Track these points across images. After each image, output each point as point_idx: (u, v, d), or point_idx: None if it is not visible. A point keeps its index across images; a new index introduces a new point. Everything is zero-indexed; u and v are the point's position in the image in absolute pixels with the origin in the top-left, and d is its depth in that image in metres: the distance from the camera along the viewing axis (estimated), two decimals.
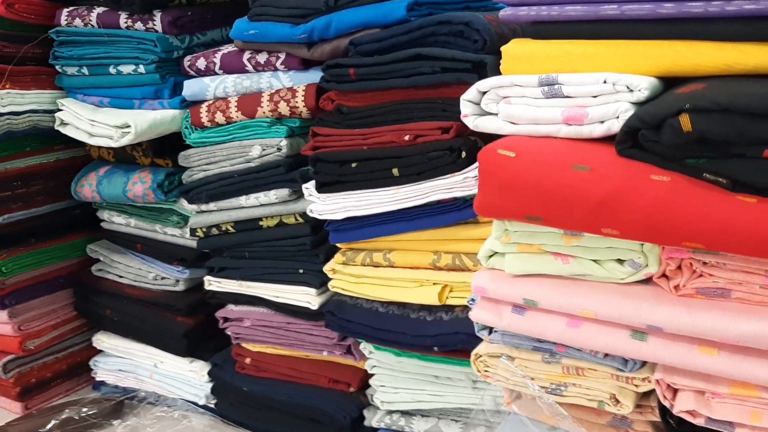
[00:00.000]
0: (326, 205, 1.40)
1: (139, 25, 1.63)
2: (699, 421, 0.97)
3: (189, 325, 1.76)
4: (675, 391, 1.00)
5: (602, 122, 1.00)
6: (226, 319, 1.69)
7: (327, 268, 1.47)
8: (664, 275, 0.99)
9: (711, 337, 0.94)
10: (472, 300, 1.16)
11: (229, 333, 1.69)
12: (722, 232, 0.89)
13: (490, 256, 1.12)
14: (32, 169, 1.83)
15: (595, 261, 1.03)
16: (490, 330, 1.15)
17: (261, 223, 1.56)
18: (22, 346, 1.85)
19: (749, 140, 0.86)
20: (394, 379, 1.46)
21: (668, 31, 0.97)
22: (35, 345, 1.88)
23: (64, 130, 1.73)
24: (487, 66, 1.20)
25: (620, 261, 1.01)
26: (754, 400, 0.95)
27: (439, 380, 1.42)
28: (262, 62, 1.51)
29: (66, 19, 1.70)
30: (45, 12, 1.73)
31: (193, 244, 1.69)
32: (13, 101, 1.70)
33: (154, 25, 1.62)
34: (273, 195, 1.51)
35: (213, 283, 1.67)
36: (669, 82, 1.00)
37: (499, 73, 1.10)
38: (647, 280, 1.01)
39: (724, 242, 0.89)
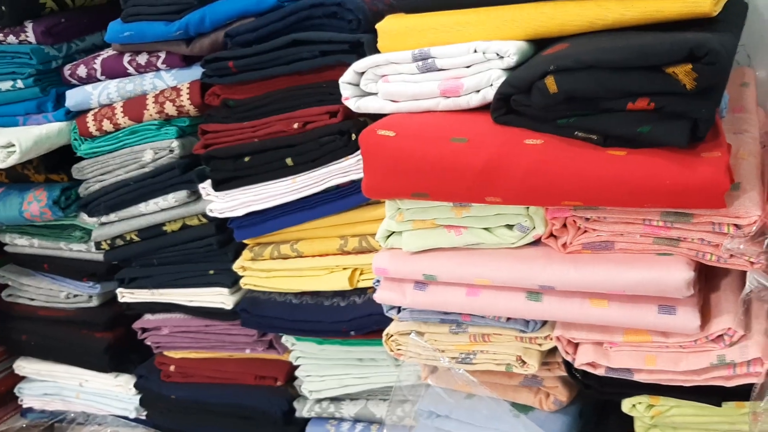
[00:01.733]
0: (225, 203, 1.37)
1: (11, 38, 1.55)
2: (600, 372, 1.00)
3: (108, 340, 1.72)
4: (576, 346, 1.03)
5: (478, 91, 1.01)
6: (144, 330, 1.65)
7: (236, 266, 1.44)
8: (552, 235, 1.01)
9: (600, 290, 0.96)
10: (377, 281, 1.16)
11: (148, 343, 1.66)
12: (597, 187, 0.91)
13: (388, 237, 1.12)
14: None
15: (486, 229, 1.04)
16: (399, 309, 1.15)
17: (164, 228, 1.52)
18: None
19: (613, 94, 0.88)
20: (320, 368, 1.46)
21: None
22: None
23: None
24: (364, 45, 1.19)
25: (509, 226, 1.03)
26: (648, 344, 0.98)
27: (364, 363, 1.42)
28: (143, 63, 1.46)
29: None
30: None
31: (101, 257, 1.64)
32: None
33: (27, 36, 1.54)
34: (172, 198, 1.47)
35: (126, 295, 1.63)
36: (540, 44, 1.01)
37: (377, 52, 1.10)
38: (538, 242, 1.03)
39: (600, 196, 0.92)
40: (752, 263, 0.89)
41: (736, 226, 0.89)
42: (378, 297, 1.13)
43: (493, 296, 1.04)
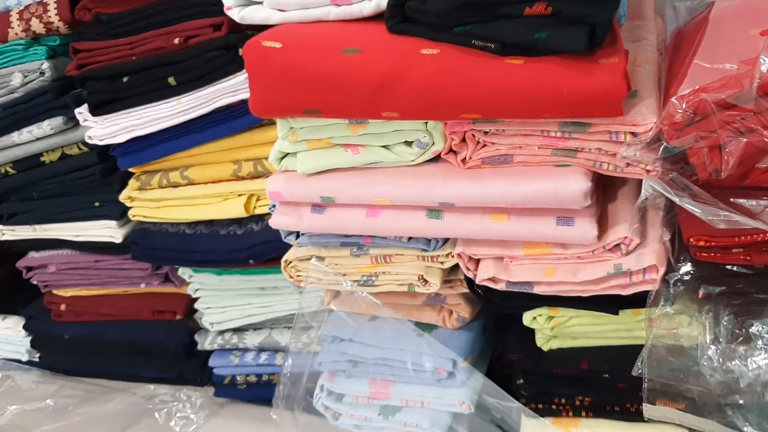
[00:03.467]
0: (105, 129, 1.26)
1: None
2: (501, 286, 1.00)
3: None
4: (477, 262, 1.02)
5: None
6: (29, 269, 1.54)
7: (123, 197, 1.35)
8: (451, 151, 0.97)
9: (500, 204, 0.95)
10: (273, 207, 1.10)
11: (35, 282, 1.55)
12: (495, 98, 0.87)
13: (281, 158, 1.06)
14: None
15: (384, 147, 0.99)
16: (297, 234, 1.11)
17: (42, 158, 1.39)
18: None
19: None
20: (220, 299, 1.40)
21: None
22: None
23: None
24: None
25: (408, 143, 0.99)
26: (547, 257, 0.98)
27: (266, 291, 1.37)
28: None
29: None
30: None
31: None
32: None
33: None
34: (47, 126, 1.34)
35: (6, 233, 1.51)
36: None
37: None
38: (437, 159, 0.99)
39: (499, 108, 0.89)
40: (648, 171, 0.89)
41: (633, 134, 0.88)
42: (274, 222, 1.08)
43: (393, 216, 1.00)
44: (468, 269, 1.01)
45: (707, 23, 0.99)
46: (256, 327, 1.42)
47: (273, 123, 1.23)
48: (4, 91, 1.36)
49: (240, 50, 1.14)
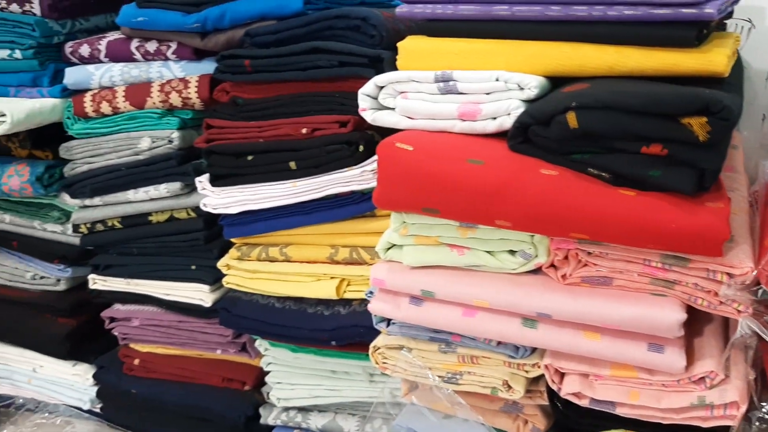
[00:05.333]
0: (220, 199, 1.37)
1: (14, 6, 1.52)
2: (584, 402, 1.03)
3: (71, 327, 1.67)
4: (562, 375, 1.05)
5: (494, 118, 1.03)
6: (112, 319, 1.62)
7: (221, 264, 1.43)
8: (552, 265, 1.03)
9: (594, 323, 0.99)
10: (371, 292, 1.17)
11: (115, 334, 1.62)
12: (605, 223, 0.94)
13: (388, 249, 1.13)
14: None
15: (488, 252, 1.06)
16: (388, 322, 1.16)
17: (150, 218, 1.50)
18: None
19: (629, 136, 0.92)
20: (291, 376, 1.45)
21: (555, 32, 1.02)
22: None
23: None
24: (383, 61, 1.21)
25: (512, 252, 1.05)
26: (633, 380, 1.01)
27: (336, 375, 1.42)
28: (152, 51, 1.45)
29: None
30: None
31: (76, 240, 1.60)
32: None
33: (32, 7, 1.52)
34: (164, 189, 1.46)
35: (98, 282, 1.60)
36: (556, 82, 1.05)
37: (395, 69, 1.12)
38: (537, 270, 1.06)
39: (607, 233, 0.95)
40: (739, 311, 0.94)
41: (729, 274, 0.93)
42: (372, 307, 1.14)
43: (488, 319, 1.06)
44: (553, 381, 1.05)
45: None
46: (321, 409, 1.46)
47: (372, 215, 1.32)
48: (129, 152, 1.48)
49: (360, 147, 1.25)
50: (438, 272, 1.09)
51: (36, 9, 1.52)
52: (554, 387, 1.05)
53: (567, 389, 1.03)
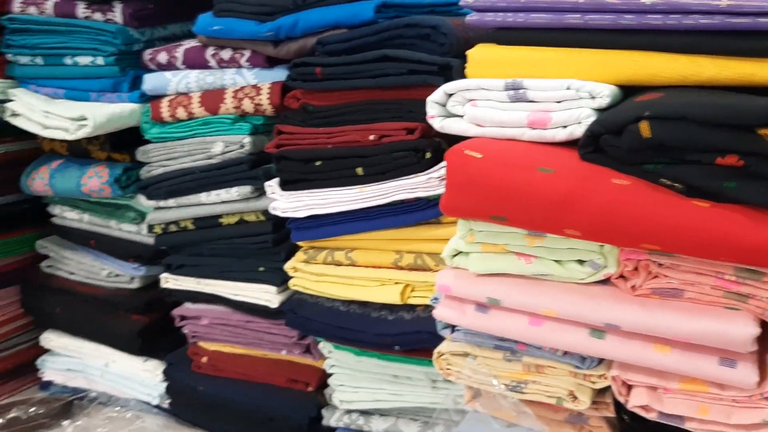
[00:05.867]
0: (289, 203, 1.40)
1: (98, 15, 1.60)
2: (651, 416, 1.01)
3: (143, 324, 1.73)
4: (629, 387, 1.04)
5: (565, 127, 1.03)
6: (182, 318, 1.67)
7: (288, 267, 1.47)
8: (621, 276, 1.02)
9: (664, 335, 0.98)
10: (435, 299, 1.18)
11: (185, 332, 1.67)
12: (677, 235, 0.93)
13: (455, 255, 1.14)
14: None
15: (556, 261, 1.06)
16: (453, 328, 1.17)
17: (221, 220, 1.55)
18: None
19: (703, 148, 0.90)
20: (353, 379, 1.47)
21: (629, 41, 1.01)
22: None
23: (15, 122, 1.68)
24: (453, 69, 1.22)
25: (581, 262, 1.05)
26: (703, 394, 0.99)
27: (399, 380, 1.43)
28: (226, 59, 1.50)
29: (19, 7, 1.66)
30: None
31: (150, 240, 1.66)
32: None
33: (114, 16, 1.59)
34: (235, 192, 1.50)
35: (170, 281, 1.65)
36: (628, 91, 1.04)
37: (464, 77, 1.13)
38: (606, 281, 1.05)
39: (679, 244, 0.94)
40: None
41: None
42: (437, 313, 1.15)
43: (556, 328, 1.05)
44: (621, 393, 1.04)
45: None
46: (383, 413, 1.47)
47: (438, 222, 1.33)
48: (203, 156, 1.54)
49: (428, 154, 1.26)
50: (505, 280, 1.09)
51: (118, 18, 1.59)
52: (621, 399, 1.04)
53: (634, 402, 1.02)
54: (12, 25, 1.66)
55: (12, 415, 1.68)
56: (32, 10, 1.64)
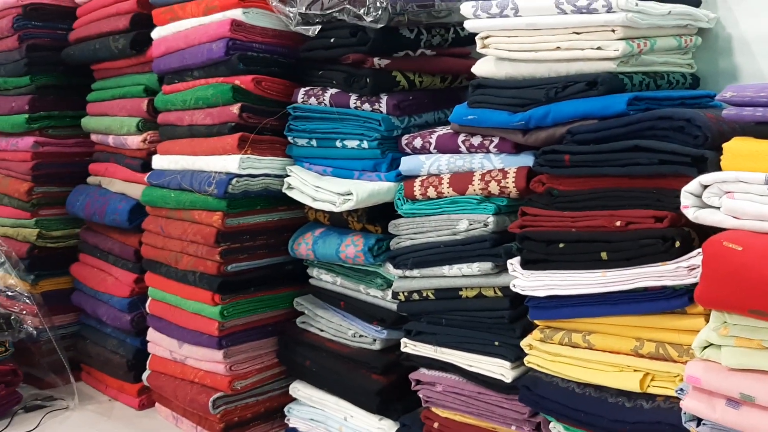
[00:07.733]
0: (530, 282, 1.46)
1: (366, 106, 1.83)
2: None
3: (382, 384, 1.86)
4: None
5: None
6: (418, 382, 1.77)
7: (524, 343, 1.51)
8: None
9: None
10: (681, 390, 1.16)
11: (420, 396, 1.77)
12: None
13: (705, 347, 1.12)
14: (259, 226, 2.07)
15: None
16: (699, 422, 1.14)
17: (461, 293, 1.65)
18: (231, 386, 2.05)
19: None
20: None
21: None
22: (242, 386, 2.08)
23: (290, 193, 1.96)
24: (707, 161, 1.23)
25: None
26: None
27: None
28: (476, 144, 1.63)
29: (302, 98, 1.95)
30: (285, 90, 2.00)
31: (393, 306, 1.81)
32: (251, 165, 1.97)
33: (380, 106, 1.81)
34: (476, 267, 1.60)
35: (409, 346, 1.77)
36: None
37: (717, 169, 1.14)
38: None
39: None
40: None
41: None
42: (685, 405, 1.14)
43: None
44: None
45: None
46: None
47: (683, 312, 1.30)
48: (448, 232, 1.66)
49: (677, 243, 1.26)
50: (760, 377, 1.06)
51: (383, 108, 1.81)
52: None
53: None
54: (295, 112, 1.96)
55: None
56: (312, 100, 1.92)
